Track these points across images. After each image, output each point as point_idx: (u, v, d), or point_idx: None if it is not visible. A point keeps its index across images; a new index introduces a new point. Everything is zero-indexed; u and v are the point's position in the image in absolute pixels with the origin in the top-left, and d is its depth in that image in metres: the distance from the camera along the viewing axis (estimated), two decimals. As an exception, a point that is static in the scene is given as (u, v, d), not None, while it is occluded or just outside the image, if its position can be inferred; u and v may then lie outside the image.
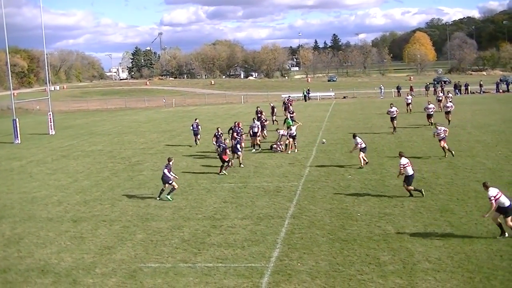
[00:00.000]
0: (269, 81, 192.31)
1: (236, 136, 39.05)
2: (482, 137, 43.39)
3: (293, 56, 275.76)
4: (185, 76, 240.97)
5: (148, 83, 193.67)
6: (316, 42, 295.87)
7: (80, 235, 24.20)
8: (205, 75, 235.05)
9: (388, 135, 46.50)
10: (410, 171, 25.86)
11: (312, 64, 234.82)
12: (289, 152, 39.82)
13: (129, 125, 71.01)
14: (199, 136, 47.85)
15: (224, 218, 25.24)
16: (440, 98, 63.81)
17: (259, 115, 50.66)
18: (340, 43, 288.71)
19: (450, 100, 55.87)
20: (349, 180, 31.22)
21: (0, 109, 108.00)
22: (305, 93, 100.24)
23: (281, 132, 41.09)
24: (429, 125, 48.88)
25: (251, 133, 42.67)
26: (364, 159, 34.20)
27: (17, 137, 59.50)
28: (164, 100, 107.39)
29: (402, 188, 27.87)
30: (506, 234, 20.10)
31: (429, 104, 50.82)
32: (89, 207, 28.89)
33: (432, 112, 50.32)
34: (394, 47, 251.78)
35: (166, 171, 28.72)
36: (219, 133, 39.03)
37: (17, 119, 60.51)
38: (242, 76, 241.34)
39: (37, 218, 27.57)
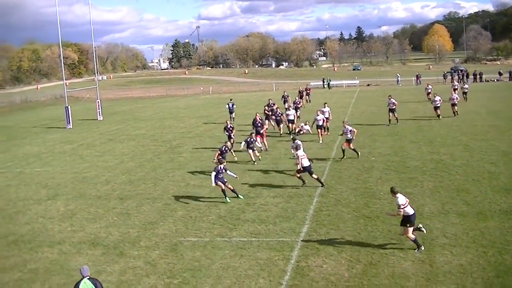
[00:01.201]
0: (299, 70, 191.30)
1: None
2: (495, 122, 42.75)
3: (321, 47, 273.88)
4: (221, 66, 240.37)
5: (187, 72, 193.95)
6: (341, 34, 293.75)
7: (126, 211, 24.47)
8: (239, 65, 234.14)
9: (408, 120, 45.94)
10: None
11: (338, 54, 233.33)
12: (321, 141, 37.75)
13: (170, 111, 71.26)
14: (233, 114, 49.58)
15: (258, 196, 25.30)
16: (456, 87, 61.70)
17: (285, 105, 50.24)
18: (364, 35, 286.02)
19: (457, 88, 53.30)
20: (373, 161, 31.04)
21: (54, 97, 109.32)
22: (327, 82, 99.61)
23: (306, 127, 40.66)
24: (437, 117, 45.81)
25: (287, 120, 41.55)
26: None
27: (69, 122, 60.10)
28: (201, 88, 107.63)
29: (421, 169, 27.84)
30: (423, 248, 17.51)
31: (435, 97, 46.57)
32: (134, 186, 29.16)
33: (439, 105, 46.04)
34: (414, 38, 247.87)
35: (213, 174, 24.53)
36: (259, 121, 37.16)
37: (69, 106, 61.11)
38: (273, 65, 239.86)
39: (88, 196, 27.91)
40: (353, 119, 46.78)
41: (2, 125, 70.37)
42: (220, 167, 24.67)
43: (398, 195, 17.62)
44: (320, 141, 37.41)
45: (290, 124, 41.52)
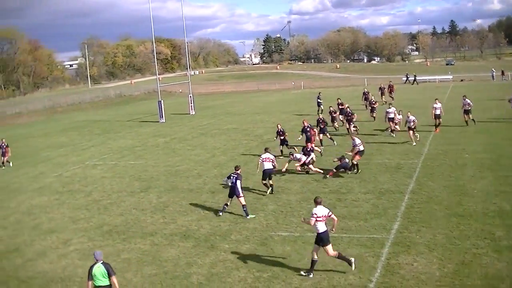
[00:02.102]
0: (390, 65, 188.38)
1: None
2: None
3: (413, 42, 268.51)
4: (312, 61, 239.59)
5: (278, 67, 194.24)
6: (434, 28, 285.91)
7: (217, 205, 24.75)
8: (331, 60, 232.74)
9: (499, 118, 44.30)
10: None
11: (431, 49, 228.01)
12: (414, 143, 35.04)
13: (261, 105, 71.68)
14: (322, 106, 49.16)
15: (349, 192, 25.10)
16: None
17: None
18: (457, 29, 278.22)
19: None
20: (466, 158, 30.20)
21: (147, 92, 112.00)
22: (412, 77, 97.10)
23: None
24: (466, 122, 41.24)
25: (388, 118, 39.22)
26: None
27: (162, 116, 61.45)
28: (293, 83, 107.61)
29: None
30: (311, 275, 16.31)
31: (464, 99, 41.36)
32: (225, 180, 29.50)
33: (469, 108, 41.24)
34: (510, 31, 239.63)
35: (238, 183, 22.96)
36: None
37: (162, 101, 62.47)
38: (365, 60, 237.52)
39: (180, 189, 28.44)
40: (445, 115, 45.15)
41: (98, 119, 72.72)
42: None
43: (319, 207, 16.47)
44: (414, 143, 34.92)
45: (390, 123, 39.11)
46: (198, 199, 26.01)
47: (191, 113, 66.63)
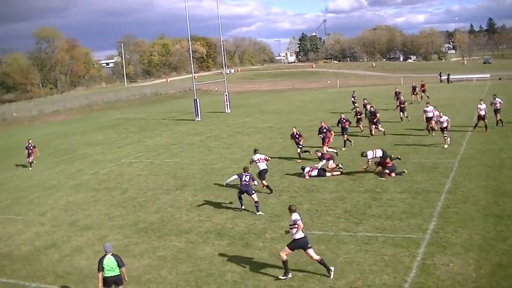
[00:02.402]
0: (427, 63, 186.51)
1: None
2: None
3: (450, 40, 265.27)
4: (347, 59, 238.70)
5: (314, 65, 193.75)
6: (471, 26, 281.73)
7: (252, 203, 24.80)
8: (367, 58, 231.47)
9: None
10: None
11: (468, 47, 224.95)
12: (445, 146, 33.79)
13: (297, 104, 71.58)
14: (356, 104, 50.01)
15: (384, 191, 24.95)
16: None
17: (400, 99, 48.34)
18: (495, 27, 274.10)
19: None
20: (503, 159, 29.71)
21: (183, 90, 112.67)
22: (445, 76, 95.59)
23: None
24: (496, 122, 39.08)
25: (426, 117, 38.03)
26: None
27: (198, 115, 61.77)
28: (328, 82, 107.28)
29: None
30: (290, 274, 16.53)
31: (480, 104, 37.96)
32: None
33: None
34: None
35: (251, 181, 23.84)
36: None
37: (197, 99, 62.78)
38: (401, 59, 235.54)
39: (215, 187, 28.59)
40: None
41: (134, 117, 73.39)
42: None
43: (293, 214, 16.53)
44: (445, 145, 33.62)
45: (428, 122, 37.96)
46: (233, 197, 26.05)
47: (226, 112, 66.87)
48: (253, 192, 23.58)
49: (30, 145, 40.47)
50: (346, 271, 16.54)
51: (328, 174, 28.57)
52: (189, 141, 45.51)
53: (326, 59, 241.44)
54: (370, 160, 28.09)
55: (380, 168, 27.93)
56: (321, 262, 16.39)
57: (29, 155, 40.24)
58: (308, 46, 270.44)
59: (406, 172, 27.47)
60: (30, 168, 39.82)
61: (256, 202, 23.42)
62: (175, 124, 59.34)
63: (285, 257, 16.58)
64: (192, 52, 79.25)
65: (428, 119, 37.95)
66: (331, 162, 29.27)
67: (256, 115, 61.00)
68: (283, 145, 39.02)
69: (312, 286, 15.87)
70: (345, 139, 36.16)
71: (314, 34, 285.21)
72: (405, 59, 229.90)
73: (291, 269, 16.93)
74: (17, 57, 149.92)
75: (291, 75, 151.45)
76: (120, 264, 15.21)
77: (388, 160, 27.74)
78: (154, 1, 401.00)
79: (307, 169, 28.84)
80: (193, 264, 18.27)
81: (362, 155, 28.71)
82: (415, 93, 59.48)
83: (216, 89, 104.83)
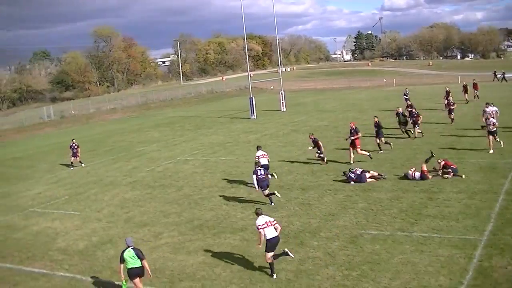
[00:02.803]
0: (485, 61, 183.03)
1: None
2: None
3: (509, 37, 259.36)
4: (404, 58, 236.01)
5: (369, 64, 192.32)
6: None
7: (307, 202, 24.84)
8: (423, 57, 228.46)
9: None
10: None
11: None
12: (491, 151, 31.35)
13: (352, 102, 71.10)
14: (409, 102, 49.41)
15: (440, 191, 24.59)
16: None
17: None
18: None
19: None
20: None
21: (238, 88, 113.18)
22: (500, 74, 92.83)
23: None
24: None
25: (485, 118, 37.32)
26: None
27: (253, 113, 61.99)
28: (384, 80, 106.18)
29: None
30: (275, 276, 17.03)
31: (488, 118, 33.33)
32: (315, 177, 29.49)
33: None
34: None
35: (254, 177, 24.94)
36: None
37: (253, 97, 63.02)
38: (458, 57, 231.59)
39: (270, 185, 28.50)
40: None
41: (190, 115, 74.09)
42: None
43: (259, 217, 17.22)
44: (491, 150, 31.54)
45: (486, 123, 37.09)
46: (288, 196, 26.14)
47: (282, 110, 66.87)
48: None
49: (74, 145, 40.67)
50: (401, 272, 16.41)
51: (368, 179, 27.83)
52: (244, 139, 45.74)
53: (382, 57, 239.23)
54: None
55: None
56: (271, 264, 17.15)
57: (74, 154, 40.49)
58: (364, 44, 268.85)
59: (464, 177, 26.80)
60: (72, 168, 40.42)
61: (271, 193, 24.99)
62: (230, 122, 59.71)
63: (269, 260, 17.11)
64: (247, 50, 79.54)
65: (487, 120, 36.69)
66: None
67: (311, 114, 60.85)
68: (338, 144, 38.75)
69: (366, 286, 15.80)
70: (380, 142, 35.07)
71: (370, 32, 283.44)
72: (462, 57, 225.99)
73: (346, 268, 16.92)
74: (76, 56, 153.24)
75: (347, 74, 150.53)
76: (140, 256, 16.00)
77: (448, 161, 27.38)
78: (210, 0, 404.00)
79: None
80: (247, 262, 18.39)
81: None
82: (467, 92, 58.22)
83: (271, 87, 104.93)
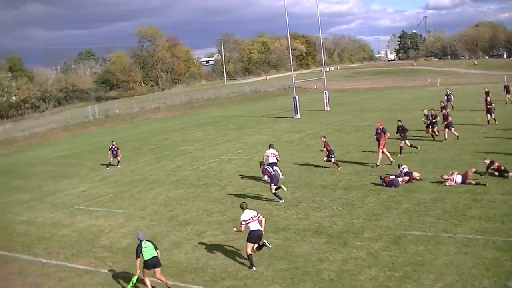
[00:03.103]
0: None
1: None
2: None
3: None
4: (448, 57, 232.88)
5: (414, 63, 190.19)
6: None
7: (351, 202, 24.81)
8: (468, 56, 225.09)
9: None
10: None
11: None
12: None
13: (397, 102, 70.45)
14: (452, 102, 50.65)
15: (485, 192, 24.26)
16: None
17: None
18: None
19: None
20: None
21: (282, 88, 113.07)
22: None
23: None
24: None
25: None
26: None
27: (297, 112, 61.95)
28: (429, 80, 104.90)
29: None
30: (254, 268, 18.18)
31: None
32: (359, 177, 29.41)
33: None
34: None
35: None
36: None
37: (297, 97, 62.95)
38: (504, 56, 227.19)
39: (313, 185, 28.69)
40: None
41: (233, 114, 74.39)
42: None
43: (245, 211, 18.45)
44: None
45: None
46: (331, 196, 26.14)
47: (325, 110, 66.65)
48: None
49: (114, 146, 40.84)
50: (444, 273, 16.30)
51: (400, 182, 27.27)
52: (288, 139, 45.77)
53: (427, 56, 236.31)
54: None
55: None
56: (250, 257, 18.26)
57: (114, 155, 40.78)
58: (408, 44, 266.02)
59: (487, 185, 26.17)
60: (108, 168, 40.65)
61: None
62: (274, 122, 59.79)
63: (249, 252, 18.23)
64: (291, 50, 79.53)
65: None
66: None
67: (355, 113, 60.52)
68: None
69: (409, 287, 15.73)
70: (403, 144, 34.46)
71: (414, 31, 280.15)
72: (508, 56, 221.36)
73: (389, 269, 16.88)
74: (120, 56, 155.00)
75: (391, 73, 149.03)
76: (155, 247, 17.33)
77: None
78: (254, 0, 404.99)
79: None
80: (290, 262, 18.47)
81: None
82: (509, 93, 56.79)
83: (315, 87, 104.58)
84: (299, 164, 34.38)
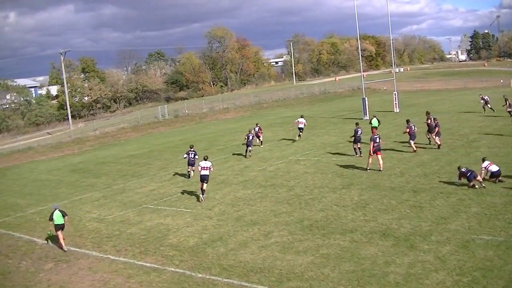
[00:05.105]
0: None
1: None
2: None
3: None
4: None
5: (486, 64, 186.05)
6: None
7: (419, 204, 24.50)
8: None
9: None
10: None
11: None
12: None
13: (468, 104, 68.99)
14: (489, 105, 50.97)
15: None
16: None
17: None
18: None
19: None
20: None
21: (351, 89, 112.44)
22: None
23: None
24: None
25: None
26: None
27: (366, 113, 61.54)
28: (501, 81, 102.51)
29: None
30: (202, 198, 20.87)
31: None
32: (428, 179, 28.99)
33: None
34: None
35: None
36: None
37: (366, 98, 62.58)
38: None
39: (381, 186, 28.45)
40: None
41: (303, 115, 74.15)
42: None
43: (203, 161, 21.14)
44: None
45: None
46: (399, 198, 25.88)
47: (395, 111, 65.91)
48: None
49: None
50: (515, 279, 15.95)
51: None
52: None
53: (499, 57, 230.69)
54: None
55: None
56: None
57: (258, 136, 43.68)
58: (480, 44, 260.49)
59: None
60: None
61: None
62: (343, 123, 59.48)
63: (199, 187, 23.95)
64: (361, 50, 79.02)
65: None
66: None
67: (425, 115, 59.48)
68: (452, 146, 37.96)
69: (479, 292, 15.47)
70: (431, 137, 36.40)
71: (486, 31, 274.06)
72: None
73: (456, 274, 16.63)
74: (190, 57, 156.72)
75: (462, 74, 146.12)
76: (63, 215, 23.83)
77: None
78: (324, 0, 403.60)
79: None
80: (356, 264, 18.39)
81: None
82: None
83: (385, 88, 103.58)
84: (373, 167, 34.05)
